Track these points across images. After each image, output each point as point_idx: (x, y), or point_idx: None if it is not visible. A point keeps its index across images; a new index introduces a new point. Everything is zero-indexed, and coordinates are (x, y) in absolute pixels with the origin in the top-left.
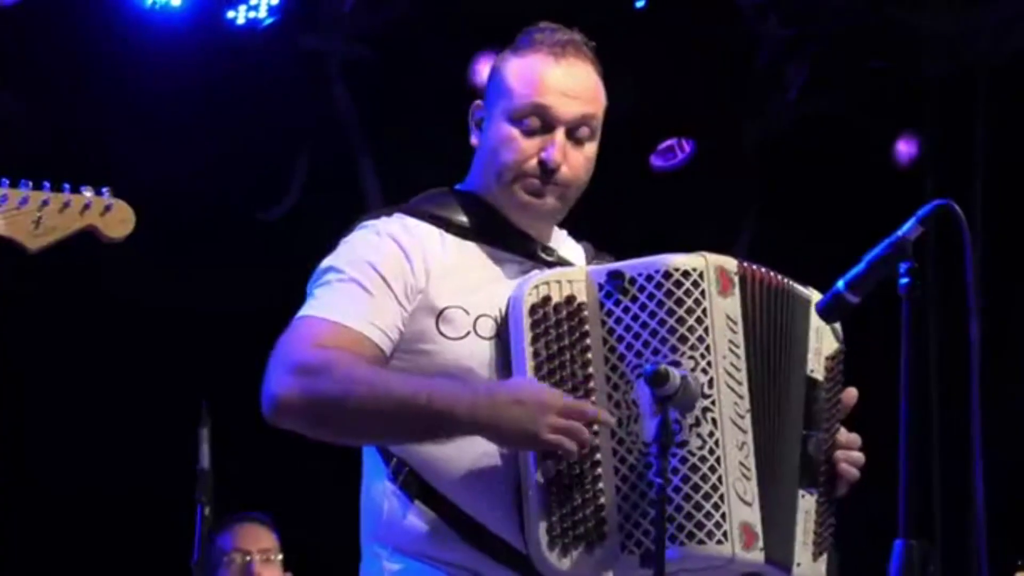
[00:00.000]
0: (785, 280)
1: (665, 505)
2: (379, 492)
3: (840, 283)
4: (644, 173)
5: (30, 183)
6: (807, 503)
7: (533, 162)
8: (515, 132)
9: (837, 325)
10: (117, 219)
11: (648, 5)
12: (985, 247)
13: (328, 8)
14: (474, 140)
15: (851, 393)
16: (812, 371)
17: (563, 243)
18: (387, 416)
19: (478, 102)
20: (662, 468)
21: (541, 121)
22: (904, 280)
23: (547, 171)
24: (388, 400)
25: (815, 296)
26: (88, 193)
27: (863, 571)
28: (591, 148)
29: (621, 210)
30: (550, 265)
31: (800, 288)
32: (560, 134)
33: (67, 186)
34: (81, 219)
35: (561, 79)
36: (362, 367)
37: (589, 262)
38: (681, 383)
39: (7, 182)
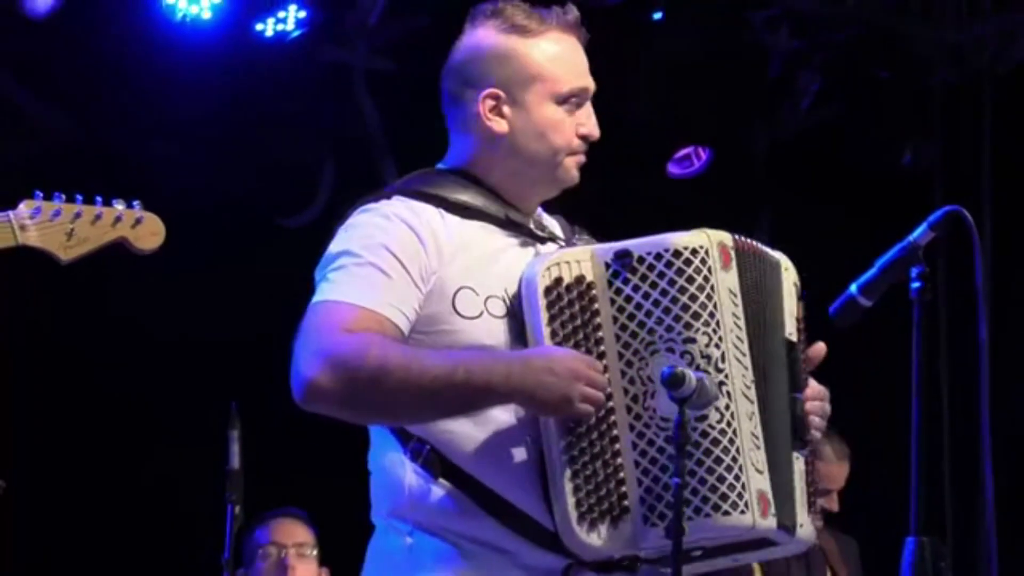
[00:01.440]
0: (757, 245)
1: (681, 501)
2: (397, 470)
3: (853, 287)
4: (662, 179)
5: (63, 196)
6: (800, 464)
7: (575, 136)
8: (563, 114)
9: (797, 281)
10: (148, 231)
11: (665, 18)
12: (993, 251)
13: (353, 21)
14: (499, 127)
15: (817, 348)
16: (790, 334)
17: (544, 217)
18: (424, 394)
19: (492, 91)
20: (680, 468)
21: (582, 97)
22: (915, 284)
23: (587, 143)
24: (424, 378)
25: (783, 259)
26: (119, 206)
27: (876, 568)
28: None
29: (640, 214)
30: (542, 240)
31: (770, 251)
32: (590, 106)
33: (99, 199)
34: (113, 231)
35: (583, 58)
36: (394, 348)
37: (567, 235)
38: (697, 385)
39: (40, 195)
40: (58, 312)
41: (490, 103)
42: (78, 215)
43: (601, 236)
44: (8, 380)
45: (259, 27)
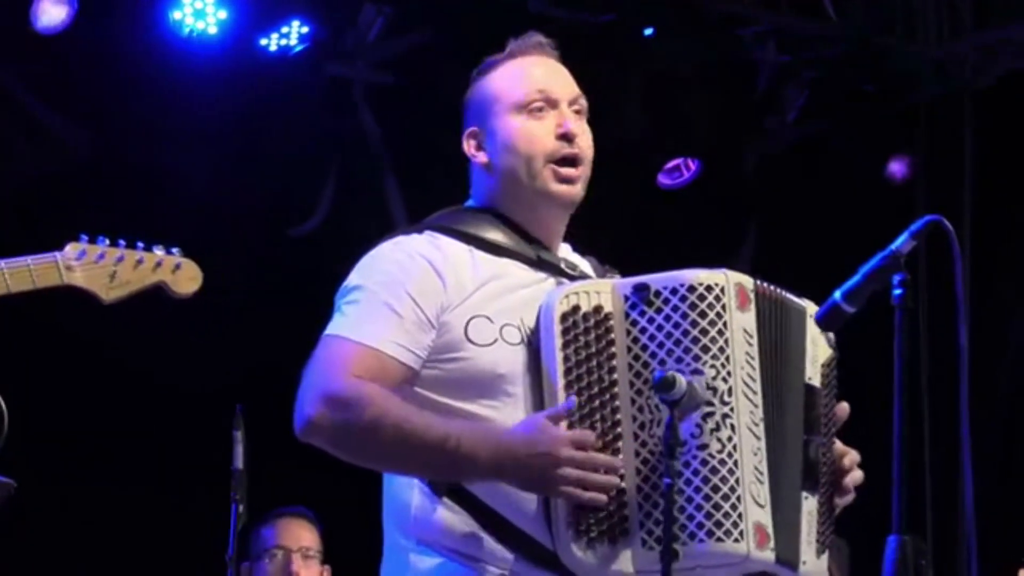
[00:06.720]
0: (783, 293)
1: (672, 502)
2: (405, 487)
3: (837, 294)
4: (652, 191)
5: (107, 240)
6: (810, 504)
7: (552, 140)
8: (524, 119)
9: (830, 333)
10: (186, 277)
11: (656, 34)
12: (973, 259)
13: (353, 37)
14: (482, 159)
15: (843, 407)
16: (810, 378)
17: (571, 256)
18: (414, 455)
19: (471, 129)
20: (670, 468)
21: (545, 101)
22: (897, 291)
23: (569, 140)
24: (415, 440)
25: (810, 307)
26: (160, 252)
27: (859, 566)
28: (587, 127)
29: (631, 225)
30: (572, 278)
31: (795, 299)
32: (565, 106)
33: (140, 244)
34: (153, 275)
35: (545, 69)
36: (393, 405)
37: (599, 275)
38: (687, 389)
39: (86, 237)
40: (71, 314)
41: (472, 142)
42: (120, 259)
43: (606, 252)
44: (18, 380)
45: (263, 42)
